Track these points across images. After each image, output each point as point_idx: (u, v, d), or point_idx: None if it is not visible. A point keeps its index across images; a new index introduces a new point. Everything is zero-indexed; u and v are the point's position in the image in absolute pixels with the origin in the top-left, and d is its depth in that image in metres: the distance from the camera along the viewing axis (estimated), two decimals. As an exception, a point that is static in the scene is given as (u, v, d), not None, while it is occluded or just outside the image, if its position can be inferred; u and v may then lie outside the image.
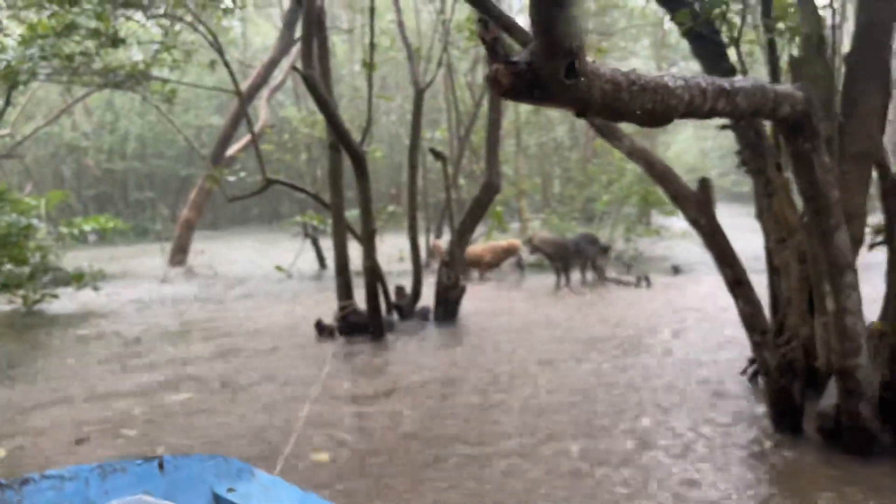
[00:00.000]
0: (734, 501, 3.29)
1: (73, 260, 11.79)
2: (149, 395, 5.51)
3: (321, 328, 7.40)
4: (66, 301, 10.48)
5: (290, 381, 5.76)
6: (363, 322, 7.30)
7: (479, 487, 3.56)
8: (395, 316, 8.02)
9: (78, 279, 10.72)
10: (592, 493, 3.45)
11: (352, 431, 4.56)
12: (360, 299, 7.48)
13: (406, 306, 8.10)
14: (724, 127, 4.84)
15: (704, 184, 3.90)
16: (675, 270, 11.74)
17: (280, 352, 6.88)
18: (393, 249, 13.03)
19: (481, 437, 4.28)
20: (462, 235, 8.15)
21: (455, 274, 7.93)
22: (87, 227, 13.19)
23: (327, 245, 9.94)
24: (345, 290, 7.54)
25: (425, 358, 6.49)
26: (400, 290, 8.29)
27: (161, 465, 1.68)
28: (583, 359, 6.19)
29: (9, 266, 9.83)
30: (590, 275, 11.18)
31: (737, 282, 3.76)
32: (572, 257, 10.78)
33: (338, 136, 7.27)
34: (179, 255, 15.83)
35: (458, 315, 8.09)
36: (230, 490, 1.73)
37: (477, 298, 9.23)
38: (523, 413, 4.75)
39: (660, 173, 3.94)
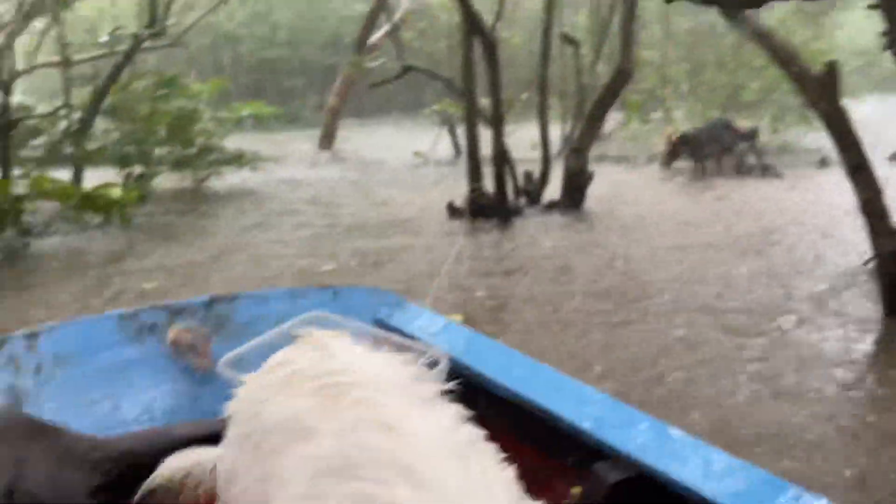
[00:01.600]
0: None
1: (232, 142, 12.89)
2: (296, 264, 6.23)
3: (453, 210, 7.86)
4: (227, 179, 11.60)
5: (423, 256, 6.28)
6: (491, 205, 7.66)
7: (607, 340, 3.92)
8: (523, 201, 8.31)
9: (238, 160, 11.77)
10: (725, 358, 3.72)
11: (481, 299, 5.00)
12: (490, 184, 7.82)
13: (534, 192, 8.35)
14: (872, 7, 4.56)
15: (831, 67, 3.80)
16: (822, 163, 11.08)
17: (415, 230, 7.43)
18: (527, 137, 13.15)
19: (610, 307, 4.61)
20: (592, 123, 8.18)
21: (583, 160, 8.04)
22: (244, 113, 14.24)
23: (464, 133, 10.28)
24: (475, 175, 7.89)
25: (549, 241, 6.80)
26: (528, 175, 8.52)
27: (335, 294, 2.08)
28: (717, 246, 6.23)
29: (178, 147, 10.99)
30: (729, 163, 10.78)
31: (856, 167, 3.72)
32: (706, 145, 10.43)
33: (468, 21, 7.41)
34: (326, 140, 16.77)
35: (584, 202, 8.25)
36: (389, 316, 2.01)
37: (607, 185, 9.29)
38: (651, 291, 4.98)
39: (783, 56, 3.87)
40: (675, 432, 1.30)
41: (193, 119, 10.94)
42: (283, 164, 14.15)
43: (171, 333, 1.82)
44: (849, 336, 3.95)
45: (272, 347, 1.62)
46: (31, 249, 7.13)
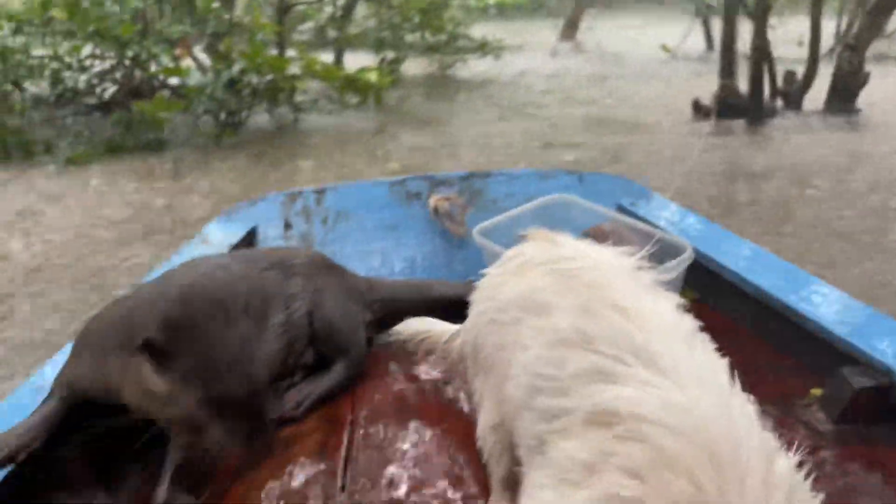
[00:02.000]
0: None
1: (477, 31, 13.09)
2: (534, 154, 6.38)
3: (698, 107, 7.46)
4: (471, 66, 11.90)
5: (662, 154, 6.12)
6: (742, 105, 7.14)
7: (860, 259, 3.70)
8: (780, 102, 7.62)
9: (482, 48, 11.99)
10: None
11: (720, 200, 4.83)
12: (743, 83, 7.26)
13: (794, 93, 7.61)
14: None
15: None
16: None
17: (656, 127, 7.19)
18: (793, 33, 11.83)
19: (870, 225, 4.27)
20: (876, 16, 7.16)
21: (858, 59, 7.13)
22: (490, 1, 14.31)
23: (719, 26, 9.54)
24: (727, 71, 7.37)
25: (806, 147, 6.25)
26: (790, 74, 7.76)
27: (581, 178, 2.19)
28: None
29: (429, 34, 11.43)
30: None
31: None
32: None
33: None
34: (569, 30, 16.36)
35: (855, 106, 7.38)
36: (633, 204, 2.07)
37: (886, 89, 8.18)
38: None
39: None
40: None
41: (444, 6, 11.26)
42: (525, 54, 14.14)
43: (433, 201, 2.06)
44: None
45: (520, 221, 1.78)
46: (299, 124, 8.01)
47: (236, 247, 1.85)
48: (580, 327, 0.85)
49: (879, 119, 7.14)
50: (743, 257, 1.67)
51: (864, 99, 7.45)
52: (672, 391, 0.75)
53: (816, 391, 1.29)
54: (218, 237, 1.88)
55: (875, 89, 7.55)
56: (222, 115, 7.56)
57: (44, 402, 1.12)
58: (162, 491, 1.03)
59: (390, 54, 11.19)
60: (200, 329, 1.08)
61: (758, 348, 1.45)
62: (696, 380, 0.76)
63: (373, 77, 8.24)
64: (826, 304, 1.42)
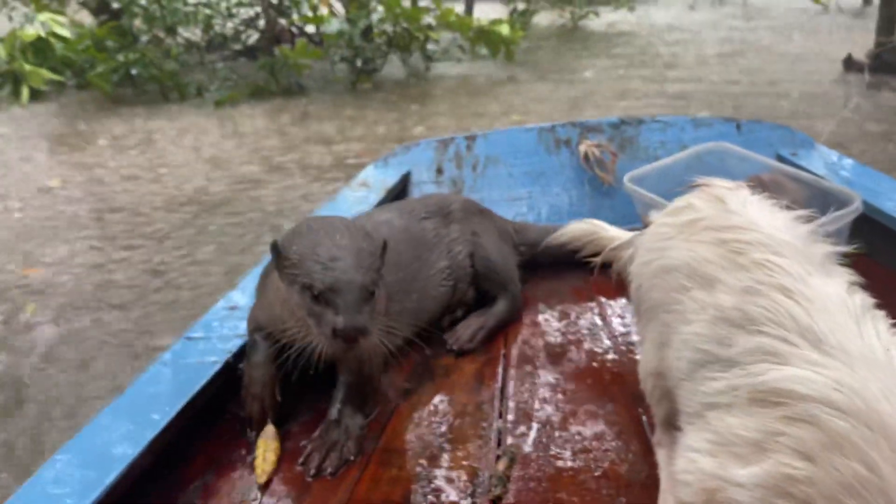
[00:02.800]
0: None
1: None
2: (672, 108, 6.23)
3: (850, 63, 6.99)
4: (604, 18, 11.59)
5: (811, 109, 5.81)
6: (901, 61, 6.64)
7: None
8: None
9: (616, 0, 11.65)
10: None
11: (871, 154, 4.56)
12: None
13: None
14: None
15: None
16: None
17: (803, 82, 6.81)
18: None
19: None
20: None
21: None
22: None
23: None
24: (887, 25, 6.83)
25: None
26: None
27: (738, 126, 2.10)
28: None
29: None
30: None
31: None
32: None
33: None
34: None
35: None
36: (793, 154, 1.99)
37: None
38: None
39: None
40: None
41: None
42: (662, 6, 13.58)
43: (583, 147, 2.06)
44: None
45: (673, 171, 1.78)
46: (430, 73, 8.15)
47: (392, 190, 1.96)
48: (745, 309, 0.85)
49: None
50: None
51: None
52: (841, 372, 0.75)
53: None
54: (376, 180, 2.00)
55: None
56: (358, 63, 7.81)
57: (249, 346, 1.24)
58: (335, 410, 1.19)
59: (521, 5, 11.08)
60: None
61: (879, 272, 1.41)
62: (865, 360, 0.76)
63: (504, 30, 8.22)
64: None
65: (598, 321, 1.51)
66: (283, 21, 8.83)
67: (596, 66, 8.21)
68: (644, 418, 1.15)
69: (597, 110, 5.98)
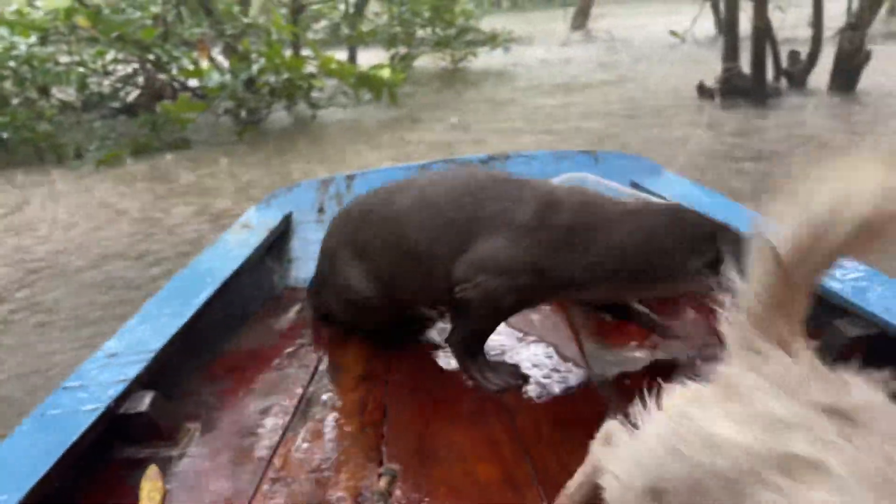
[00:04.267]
0: None
1: (488, 23, 13.28)
2: (544, 140, 6.59)
3: (702, 90, 7.62)
4: (482, 59, 12.10)
5: (666, 136, 6.31)
6: (746, 86, 7.30)
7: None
8: (784, 83, 7.76)
9: (492, 41, 12.18)
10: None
11: (719, 180, 5.01)
12: (747, 63, 7.41)
13: (798, 73, 7.75)
14: None
15: None
16: None
17: (662, 110, 7.37)
18: (806, 15, 11.91)
19: None
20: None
21: (860, 38, 7.25)
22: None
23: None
24: (731, 53, 7.52)
25: (807, 125, 6.40)
26: (794, 54, 7.89)
27: (595, 157, 2.25)
28: None
29: (439, 28, 11.65)
30: None
31: None
32: None
33: None
34: (580, 19, 16.50)
35: (857, 85, 7.51)
36: (645, 180, 2.11)
37: (891, 66, 8.27)
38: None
39: None
40: None
41: (453, 0, 11.49)
42: (535, 45, 14.30)
43: None
44: None
45: None
46: (317, 120, 8.27)
47: (274, 231, 2.00)
48: None
49: (881, 95, 7.26)
50: (756, 227, 1.72)
51: (868, 76, 7.56)
52: None
53: (815, 342, 1.38)
54: (258, 222, 2.05)
55: (880, 67, 7.66)
56: (242, 114, 7.84)
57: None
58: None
59: (402, 50, 11.43)
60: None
61: None
62: None
63: (386, 74, 8.47)
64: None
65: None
66: (162, 76, 8.75)
67: (473, 105, 8.57)
68: (516, 423, 1.25)
69: (473, 147, 6.26)
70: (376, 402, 1.36)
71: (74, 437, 1.12)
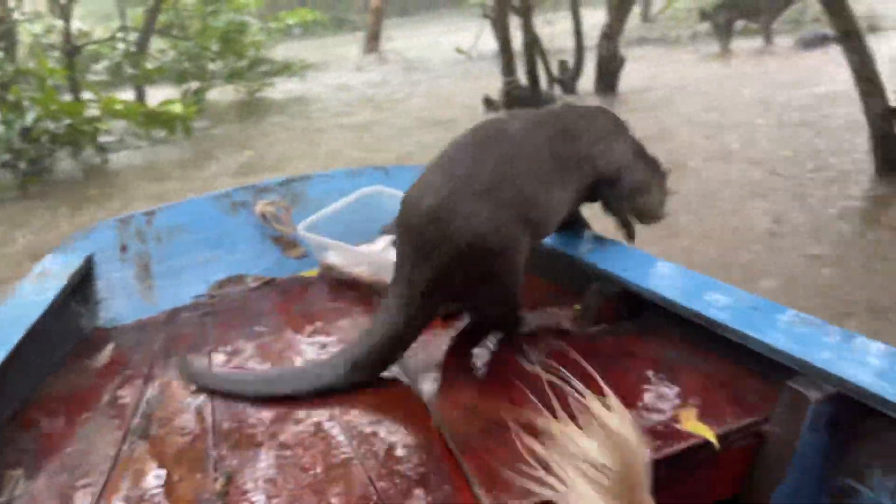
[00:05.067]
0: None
1: (282, 51, 13.29)
2: (350, 159, 6.80)
3: (489, 103, 8.22)
4: (279, 88, 12.10)
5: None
6: (526, 96, 7.98)
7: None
8: (558, 90, 8.58)
9: (287, 69, 12.21)
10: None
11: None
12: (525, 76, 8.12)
13: (567, 80, 8.60)
14: None
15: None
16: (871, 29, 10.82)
17: (452, 124, 7.85)
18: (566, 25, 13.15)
19: None
20: (621, 7, 8.27)
21: (613, 46, 8.21)
22: (291, 21, 14.55)
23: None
24: (508, 67, 8.19)
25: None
26: (563, 64, 8.74)
27: (386, 171, 2.40)
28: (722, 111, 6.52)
29: (231, 60, 11.50)
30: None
31: (846, 33, 3.97)
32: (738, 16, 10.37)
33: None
34: (372, 42, 16.95)
35: (617, 86, 8.47)
36: None
37: (644, 68, 9.41)
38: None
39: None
40: (662, 262, 1.64)
41: (242, 32, 11.39)
42: (331, 70, 14.52)
43: (258, 207, 2.28)
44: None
45: (341, 216, 2.13)
46: (109, 164, 7.88)
47: (76, 274, 1.95)
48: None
49: (637, 94, 8.26)
50: None
51: (626, 78, 8.57)
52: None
53: (577, 307, 1.67)
54: (57, 268, 1.99)
55: (636, 69, 8.72)
56: (22, 165, 7.30)
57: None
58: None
59: (194, 84, 11.15)
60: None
61: (534, 283, 1.78)
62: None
63: (177, 109, 8.25)
64: (574, 240, 1.81)
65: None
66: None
67: (272, 135, 8.60)
68: (339, 416, 1.36)
69: (273, 172, 6.33)
70: (203, 420, 1.42)
71: None
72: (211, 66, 11.48)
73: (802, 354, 1.22)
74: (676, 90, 8.27)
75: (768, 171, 5.01)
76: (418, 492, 1.12)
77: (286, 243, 2.28)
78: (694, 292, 1.48)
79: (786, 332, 1.28)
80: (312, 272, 2.15)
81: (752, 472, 1.23)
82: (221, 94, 11.92)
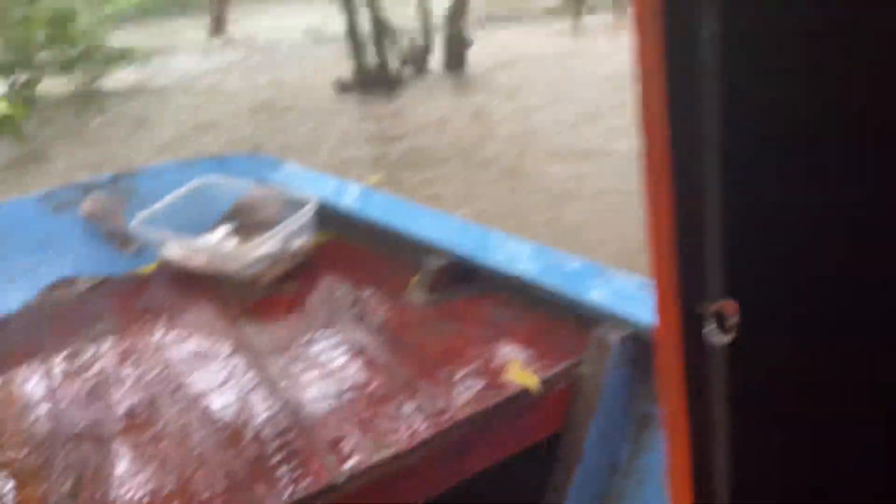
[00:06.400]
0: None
1: (120, 37, 12.48)
2: (198, 149, 6.59)
3: (342, 85, 8.22)
4: (119, 76, 11.40)
5: (313, 129, 6.73)
6: (377, 77, 8.05)
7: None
8: (409, 70, 8.69)
9: (126, 56, 11.49)
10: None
11: (363, 162, 5.56)
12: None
13: (418, 61, 8.73)
14: None
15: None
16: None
17: (305, 107, 7.80)
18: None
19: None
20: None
21: (458, 26, 8.43)
22: (124, 4, 13.67)
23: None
24: (358, 49, 8.21)
25: (426, 106, 7.35)
26: (413, 41, 8.87)
27: (220, 161, 2.38)
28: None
29: (61, 49, 10.68)
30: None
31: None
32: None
33: None
34: (218, 26, 16.28)
35: (465, 65, 8.72)
36: (269, 175, 2.31)
37: (494, 46, 9.70)
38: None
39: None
40: (492, 232, 1.74)
41: (71, 18, 10.60)
42: (175, 55, 13.80)
43: (86, 206, 2.20)
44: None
45: (174, 207, 2.10)
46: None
47: None
48: None
49: (483, 72, 8.57)
50: (354, 198, 2.11)
51: (474, 56, 8.83)
52: None
53: (414, 278, 1.78)
54: None
55: (485, 46, 8.99)
56: None
57: None
58: None
59: (22, 77, 10.30)
60: None
61: (370, 258, 1.93)
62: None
63: (3, 108, 7.58)
64: (413, 218, 1.93)
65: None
66: None
67: (113, 128, 8.16)
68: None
69: (111, 170, 6.05)
70: (43, 426, 1.42)
71: None
72: (40, 56, 10.62)
73: (602, 304, 1.40)
74: (525, 66, 8.61)
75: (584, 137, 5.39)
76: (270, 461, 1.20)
77: (121, 240, 2.21)
78: (515, 258, 1.63)
79: (590, 285, 1.46)
80: (150, 268, 2.12)
81: (570, 410, 1.40)
82: (55, 85, 11.09)
